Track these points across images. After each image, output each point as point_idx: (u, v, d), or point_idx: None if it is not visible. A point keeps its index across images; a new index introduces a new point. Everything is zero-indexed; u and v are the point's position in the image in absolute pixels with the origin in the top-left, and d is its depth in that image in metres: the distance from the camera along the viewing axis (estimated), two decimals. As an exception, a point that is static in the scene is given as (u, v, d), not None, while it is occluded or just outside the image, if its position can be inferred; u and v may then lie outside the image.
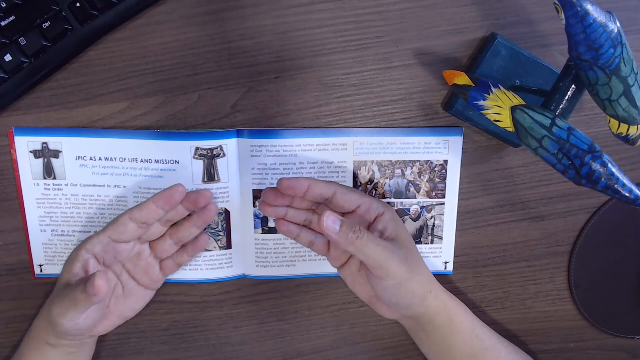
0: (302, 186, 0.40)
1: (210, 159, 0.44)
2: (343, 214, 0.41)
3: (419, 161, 0.45)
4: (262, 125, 0.44)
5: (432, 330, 0.43)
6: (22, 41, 0.39)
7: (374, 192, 0.46)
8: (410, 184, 0.46)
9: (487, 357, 0.44)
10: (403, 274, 0.38)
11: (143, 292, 0.44)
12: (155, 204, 0.40)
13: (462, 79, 0.38)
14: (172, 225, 0.43)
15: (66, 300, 0.37)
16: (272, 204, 0.41)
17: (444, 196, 0.46)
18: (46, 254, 0.45)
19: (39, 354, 0.42)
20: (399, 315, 0.44)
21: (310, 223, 0.43)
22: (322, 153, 0.44)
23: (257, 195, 0.45)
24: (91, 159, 0.43)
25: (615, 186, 0.33)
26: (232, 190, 0.45)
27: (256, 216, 0.46)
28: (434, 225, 0.47)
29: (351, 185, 0.45)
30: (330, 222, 0.37)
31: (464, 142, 0.45)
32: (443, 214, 0.47)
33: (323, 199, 0.40)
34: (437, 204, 0.47)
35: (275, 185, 0.41)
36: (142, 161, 0.43)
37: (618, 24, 0.32)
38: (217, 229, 0.45)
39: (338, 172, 0.45)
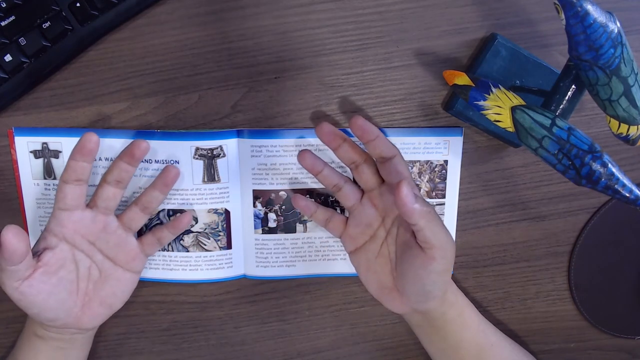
0: (372, 133, 0.39)
1: (210, 159, 0.44)
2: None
3: (419, 161, 0.45)
4: (262, 125, 0.44)
5: (442, 324, 0.43)
6: (22, 41, 0.39)
7: (374, 192, 0.46)
8: (410, 184, 0.46)
9: (494, 353, 0.44)
10: (451, 261, 0.38)
11: (122, 273, 0.42)
12: (73, 159, 0.38)
13: (462, 79, 0.38)
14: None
15: None
16: (325, 137, 0.41)
17: (444, 196, 0.46)
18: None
19: (29, 346, 0.42)
20: (410, 309, 0.42)
21: (339, 190, 0.42)
22: (322, 153, 0.44)
23: (257, 195, 0.45)
24: (91, 159, 0.43)
25: (615, 186, 0.33)
26: (232, 190, 0.45)
27: (256, 216, 0.46)
28: (434, 225, 0.47)
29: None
30: (408, 191, 0.35)
31: (464, 142, 0.45)
32: (443, 214, 0.47)
33: (381, 156, 0.40)
34: (437, 204, 0.47)
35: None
36: (142, 161, 0.43)
37: (618, 24, 0.32)
38: (217, 229, 0.45)
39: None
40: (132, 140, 0.41)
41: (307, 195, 0.45)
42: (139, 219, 0.42)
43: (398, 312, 0.43)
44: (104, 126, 0.43)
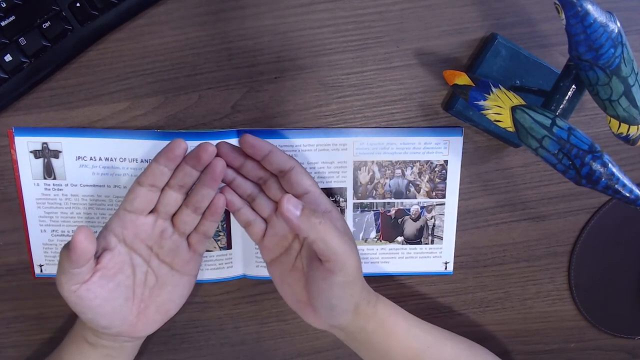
0: (264, 149, 0.38)
1: (210, 159, 0.43)
2: None
3: (419, 161, 0.45)
4: (262, 125, 0.44)
5: (365, 338, 0.41)
6: (22, 41, 0.39)
7: (374, 192, 0.46)
8: (410, 184, 0.46)
9: (431, 354, 0.42)
10: (355, 272, 0.37)
11: (179, 278, 0.41)
12: (157, 162, 0.38)
13: (462, 79, 0.38)
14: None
15: (58, 265, 0.35)
16: (225, 158, 0.39)
17: (444, 196, 0.46)
18: (46, 254, 0.45)
19: (78, 351, 0.41)
20: (327, 325, 0.41)
21: (253, 200, 0.41)
22: (322, 153, 0.44)
23: (257, 195, 0.45)
24: (91, 159, 0.43)
25: (616, 186, 0.33)
26: (232, 190, 0.45)
27: (256, 216, 0.45)
28: (434, 225, 0.47)
29: (351, 186, 0.45)
30: (292, 205, 0.34)
31: (464, 142, 0.45)
32: (443, 214, 0.47)
33: (278, 170, 0.39)
34: (437, 204, 0.47)
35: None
36: (142, 161, 0.43)
37: (618, 24, 0.32)
38: (217, 229, 0.45)
39: (338, 172, 0.45)
40: (199, 143, 0.39)
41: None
42: (192, 221, 0.41)
43: (317, 327, 0.41)
44: (104, 126, 0.43)
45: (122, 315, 0.39)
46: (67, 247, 0.34)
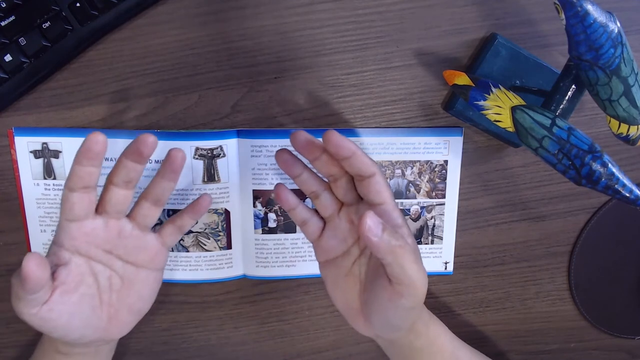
0: (348, 150, 0.34)
1: (210, 159, 0.44)
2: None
3: (419, 161, 0.45)
4: (262, 125, 0.44)
5: (410, 353, 0.40)
6: (22, 41, 0.39)
7: (374, 192, 0.46)
8: (410, 184, 0.46)
9: None
10: (421, 298, 0.34)
11: (146, 275, 0.39)
12: (79, 164, 0.33)
13: (462, 79, 0.38)
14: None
15: (12, 291, 0.33)
16: (299, 148, 0.36)
17: (444, 196, 0.46)
18: (46, 254, 0.45)
19: None
20: (375, 334, 0.39)
21: (317, 197, 0.39)
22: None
23: (257, 195, 0.45)
24: (91, 159, 0.43)
25: (616, 186, 0.33)
26: (232, 190, 0.45)
27: (256, 216, 0.46)
28: (434, 225, 0.47)
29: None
30: (373, 223, 0.31)
31: (464, 142, 0.45)
32: (443, 214, 0.47)
33: (358, 174, 0.36)
34: (437, 204, 0.47)
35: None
36: (142, 161, 0.43)
37: (618, 24, 0.32)
38: (217, 229, 0.45)
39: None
40: (139, 135, 0.35)
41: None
42: (153, 214, 0.38)
43: (363, 334, 0.39)
44: (103, 126, 0.43)
45: (92, 324, 0.37)
46: (19, 276, 0.31)
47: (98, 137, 0.33)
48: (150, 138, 0.34)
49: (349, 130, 0.44)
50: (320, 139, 0.36)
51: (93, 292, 0.37)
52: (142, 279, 0.39)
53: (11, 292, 0.33)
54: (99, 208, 0.36)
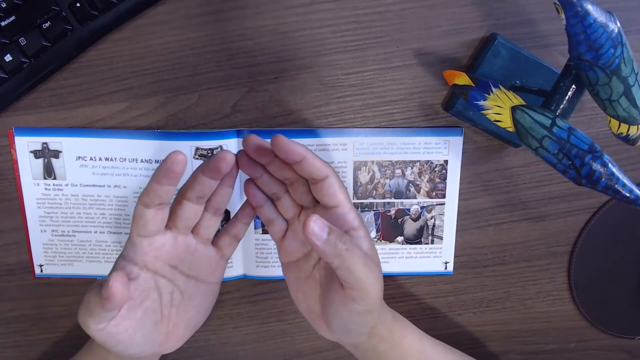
0: (297, 154, 0.34)
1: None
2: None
3: (419, 161, 0.45)
4: (262, 125, 0.44)
5: (376, 356, 0.40)
6: (22, 41, 0.39)
7: (374, 192, 0.46)
8: (410, 184, 0.46)
9: None
10: (377, 301, 0.34)
11: (205, 288, 0.39)
12: (159, 184, 0.33)
13: (462, 79, 0.38)
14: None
15: (84, 306, 0.33)
16: (252, 153, 0.36)
17: (444, 196, 0.46)
18: (46, 254, 0.45)
19: None
20: (338, 339, 0.39)
21: (278, 199, 0.38)
22: (322, 153, 0.44)
23: (257, 195, 0.45)
24: (91, 159, 0.43)
25: (616, 186, 0.33)
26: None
27: (256, 216, 0.45)
28: (434, 225, 0.47)
29: (351, 186, 0.45)
30: (317, 227, 0.31)
31: (464, 142, 0.45)
32: (443, 214, 0.47)
33: (312, 178, 0.35)
34: (437, 204, 0.47)
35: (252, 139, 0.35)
36: (142, 161, 0.43)
37: (618, 24, 0.32)
38: (217, 229, 0.45)
39: (338, 172, 0.45)
40: (217, 153, 0.35)
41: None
42: (214, 225, 0.38)
43: (327, 338, 0.39)
44: (104, 126, 0.43)
45: (152, 339, 0.37)
46: (100, 294, 0.31)
47: (179, 157, 0.32)
48: (228, 155, 0.34)
49: (349, 130, 0.44)
50: (267, 144, 0.35)
51: (156, 307, 0.37)
52: (202, 293, 0.39)
53: (82, 306, 0.33)
54: (169, 223, 0.36)
